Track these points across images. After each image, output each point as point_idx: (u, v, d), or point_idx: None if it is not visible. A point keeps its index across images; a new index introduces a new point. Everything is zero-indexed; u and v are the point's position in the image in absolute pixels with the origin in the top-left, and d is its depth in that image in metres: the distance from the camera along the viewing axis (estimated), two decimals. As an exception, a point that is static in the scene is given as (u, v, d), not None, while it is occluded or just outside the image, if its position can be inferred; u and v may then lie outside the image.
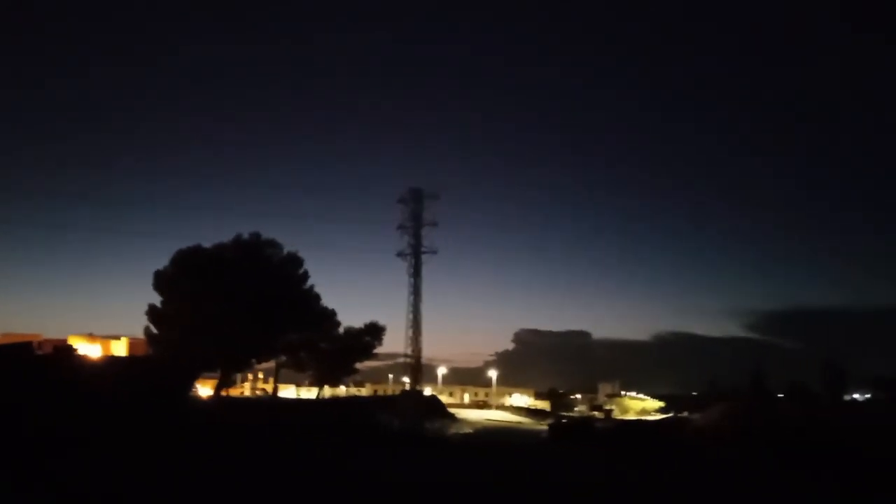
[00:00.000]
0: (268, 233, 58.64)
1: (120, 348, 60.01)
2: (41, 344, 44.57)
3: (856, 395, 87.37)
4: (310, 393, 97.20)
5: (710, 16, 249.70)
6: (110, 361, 48.21)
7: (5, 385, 30.16)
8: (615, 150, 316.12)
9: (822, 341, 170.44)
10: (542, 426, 70.85)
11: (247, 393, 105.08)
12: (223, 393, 64.12)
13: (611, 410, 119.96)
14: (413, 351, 75.23)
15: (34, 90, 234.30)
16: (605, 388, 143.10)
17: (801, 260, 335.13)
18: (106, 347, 61.69)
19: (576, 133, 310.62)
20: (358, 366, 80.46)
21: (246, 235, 57.30)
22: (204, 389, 77.32)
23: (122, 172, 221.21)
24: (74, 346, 48.82)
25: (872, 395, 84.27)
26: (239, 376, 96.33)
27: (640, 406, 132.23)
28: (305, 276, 59.78)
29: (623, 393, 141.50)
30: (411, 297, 74.87)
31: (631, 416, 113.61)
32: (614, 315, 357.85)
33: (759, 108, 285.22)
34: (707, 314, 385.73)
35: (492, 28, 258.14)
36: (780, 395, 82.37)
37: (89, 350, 52.86)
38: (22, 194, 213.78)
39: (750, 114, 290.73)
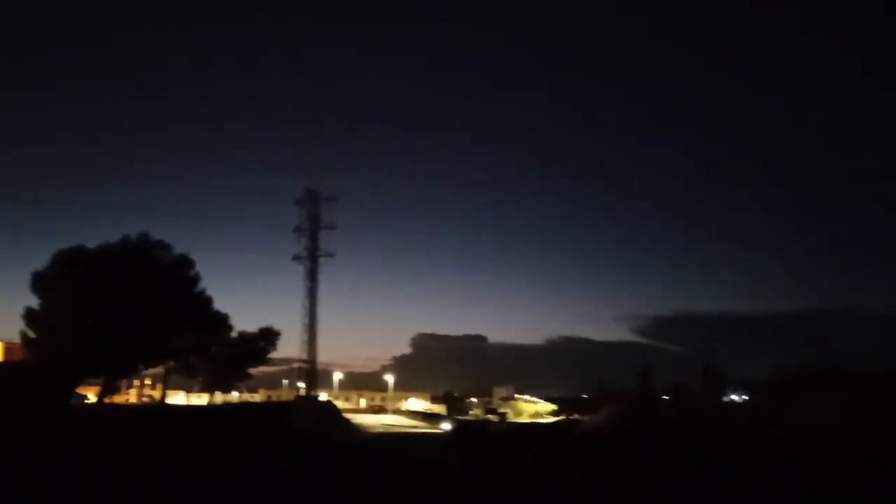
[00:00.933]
0: (159, 234, 56.60)
1: (-6, 353, 56.63)
2: None
3: (734, 397, 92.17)
4: (200, 399, 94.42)
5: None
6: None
7: None
8: (510, 154, 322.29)
9: (704, 345, 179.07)
10: (438, 430, 71.49)
11: (133, 399, 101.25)
12: (107, 400, 61.46)
13: (505, 414, 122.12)
14: (308, 356, 74.32)
15: None
16: (499, 392, 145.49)
17: (686, 267, 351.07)
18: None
19: (473, 134, 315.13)
20: (252, 371, 78.82)
21: (134, 236, 55.06)
22: (86, 396, 74.00)
23: (2, 168, 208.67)
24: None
25: (749, 397, 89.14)
26: (125, 382, 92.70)
27: (534, 409, 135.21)
28: (197, 278, 57.93)
29: (517, 396, 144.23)
30: (307, 302, 73.95)
31: (524, 419, 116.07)
32: (510, 319, 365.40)
33: (646, 119, 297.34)
34: (598, 319, 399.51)
35: (384, 28, 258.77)
36: (664, 397, 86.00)
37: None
38: None
39: (638, 127, 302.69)
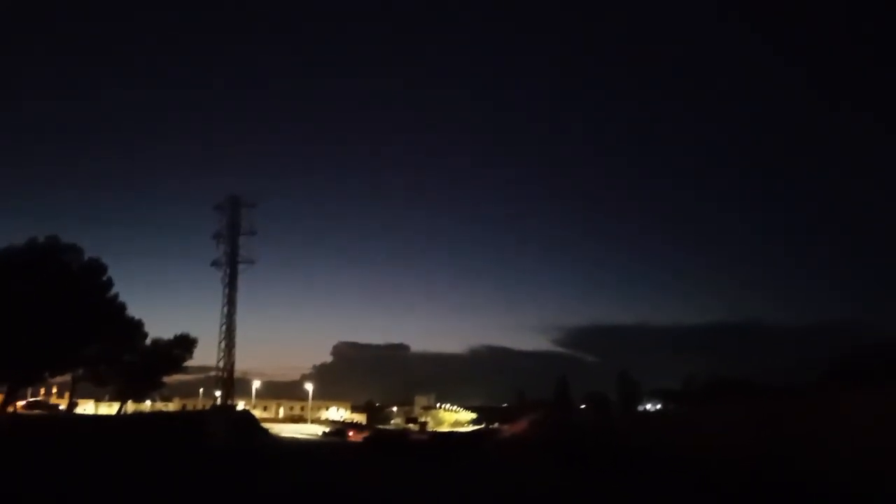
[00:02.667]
0: (70, 238, 54.50)
1: None
2: None
3: (647, 406, 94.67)
4: (110, 408, 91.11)
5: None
6: None
7: None
8: (433, 162, 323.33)
9: (620, 356, 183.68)
10: (358, 440, 70.90)
11: (37, 409, 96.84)
12: (9, 409, 58.67)
13: (426, 423, 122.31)
14: (225, 364, 72.41)
15: None
16: (420, 401, 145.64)
17: (603, 280, 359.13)
18: None
19: (394, 141, 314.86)
20: (167, 380, 76.50)
21: (42, 238, 52.80)
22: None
23: None
24: None
25: (662, 406, 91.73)
26: (30, 390, 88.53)
27: (454, 418, 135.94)
28: (109, 283, 56.00)
29: (438, 405, 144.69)
30: (225, 308, 72.14)
31: (445, 428, 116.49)
32: (432, 328, 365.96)
33: (566, 132, 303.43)
34: (519, 329, 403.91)
35: (309, 28, 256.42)
36: (582, 406, 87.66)
37: None
38: None
39: (560, 141, 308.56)
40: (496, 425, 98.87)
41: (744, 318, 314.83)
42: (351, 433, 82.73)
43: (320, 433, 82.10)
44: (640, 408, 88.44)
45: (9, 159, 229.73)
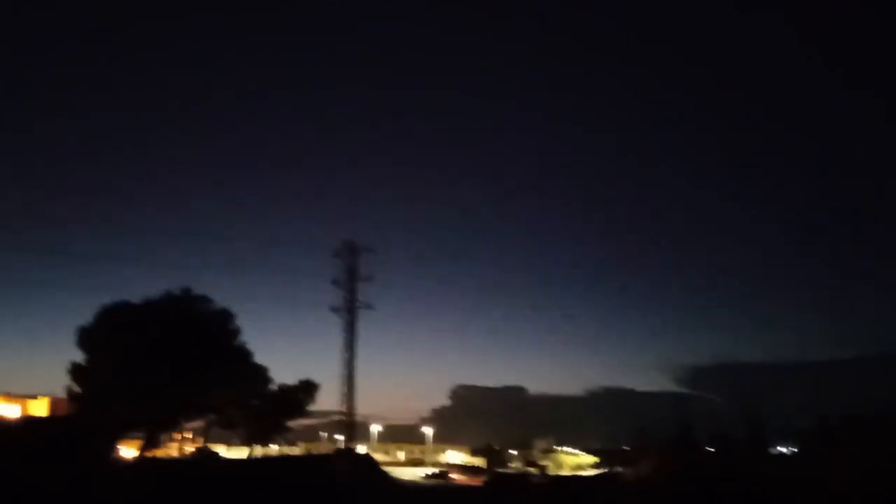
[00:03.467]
0: (199, 286, 57.64)
1: (40, 408, 57.78)
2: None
3: (781, 448, 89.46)
4: (240, 452, 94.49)
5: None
6: (28, 421, 46.29)
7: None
8: (549, 205, 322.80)
9: (746, 395, 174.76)
10: (479, 483, 70.52)
11: (174, 453, 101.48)
12: (148, 454, 61.97)
13: (545, 466, 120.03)
14: (347, 408, 74.03)
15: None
16: (539, 444, 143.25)
17: (725, 314, 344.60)
18: (24, 407, 59.39)
19: (509, 186, 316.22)
20: (290, 424, 78.80)
21: (176, 290, 56.15)
22: (129, 451, 74.54)
23: (44, 222, 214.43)
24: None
25: (798, 449, 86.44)
26: (166, 436, 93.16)
27: (575, 461, 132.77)
28: (237, 331, 58.69)
29: (558, 448, 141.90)
30: (345, 354, 73.93)
31: (565, 472, 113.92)
32: (549, 370, 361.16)
33: (687, 167, 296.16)
34: (638, 368, 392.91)
35: (431, 78, 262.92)
36: (708, 448, 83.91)
37: (6, 410, 50.71)
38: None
39: (677, 175, 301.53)
40: (618, 469, 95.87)
41: (883, 349, 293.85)
42: (455, 475, 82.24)
43: (422, 475, 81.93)
44: (773, 450, 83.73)
45: (143, 215, 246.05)
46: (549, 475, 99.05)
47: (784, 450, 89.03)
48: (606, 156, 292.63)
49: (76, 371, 52.91)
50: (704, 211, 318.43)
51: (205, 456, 71.98)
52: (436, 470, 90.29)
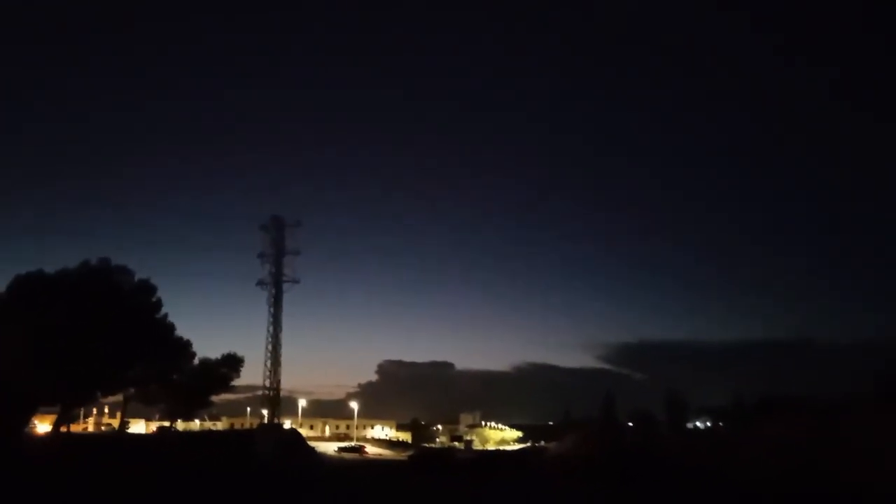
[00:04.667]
0: (120, 260, 55.91)
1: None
2: None
3: (697, 423, 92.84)
4: (164, 426, 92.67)
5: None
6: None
7: None
8: (477, 179, 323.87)
9: (667, 373, 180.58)
10: (403, 458, 70.95)
11: (91, 428, 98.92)
12: (63, 429, 60.10)
13: (471, 441, 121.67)
14: (272, 383, 73.33)
15: None
16: (466, 419, 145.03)
17: (650, 296, 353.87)
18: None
19: (438, 157, 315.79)
20: (214, 399, 77.65)
21: (94, 261, 54.27)
22: (42, 425, 72.09)
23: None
24: None
25: (711, 424, 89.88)
26: (82, 411, 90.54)
27: (500, 436, 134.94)
28: (159, 304, 57.27)
29: (484, 423, 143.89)
30: (271, 328, 73.13)
31: (491, 447, 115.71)
32: (477, 346, 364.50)
33: (611, 144, 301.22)
34: (565, 346, 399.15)
35: (352, 47, 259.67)
36: (629, 424, 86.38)
37: None
38: None
39: (604, 152, 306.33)
40: (542, 444, 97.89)
41: (794, 334, 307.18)
42: (370, 449, 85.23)
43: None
44: (689, 426, 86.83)
45: (66, 185, 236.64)
46: (473, 450, 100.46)
47: (699, 424, 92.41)
48: (548, 124, 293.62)
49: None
50: (633, 191, 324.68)
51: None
52: (351, 444, 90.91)
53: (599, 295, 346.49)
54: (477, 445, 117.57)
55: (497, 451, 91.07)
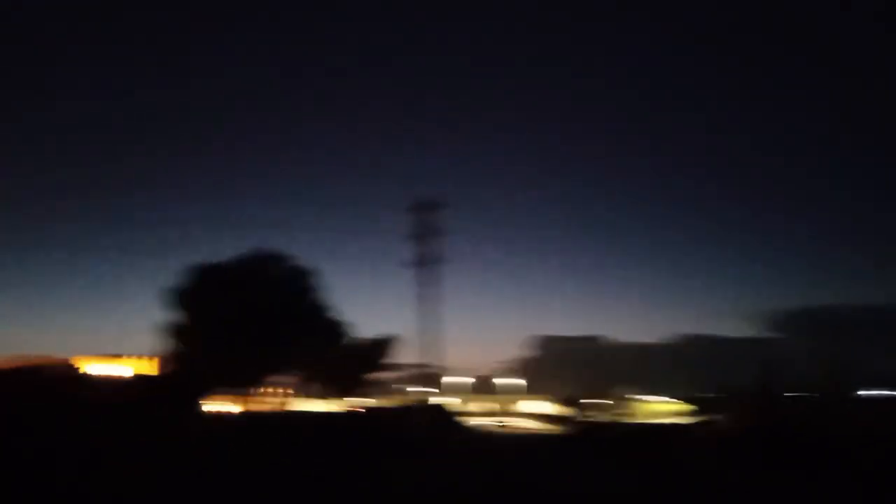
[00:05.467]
0: (281, 246, 59.50)
1: (132, 366, 60.72)
2: (51, 364, 45.26)
3: (869, 392, 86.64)
4: (326, 405, 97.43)
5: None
6: (121, 379, 48.88)
7: (15, 405, 30.73)
8: (629, 153, 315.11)
9: (835, 340, 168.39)
10: (560, 432, 70.81)
11: (262, 407, 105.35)
12: (240, 408, 64.66)
13: (629, 414, 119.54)
14: (427, 361, 75.33)
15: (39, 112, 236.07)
16: (622, 392, 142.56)
17: (814, 259, 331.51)
18: (122, 365, 62.69)
19: (590, 135, 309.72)
20: (372, 377, 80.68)
21: (255, 250, 57.97)
22: (220, 404, 77.90)
23: (131, 189, 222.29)
24: (80, 366, 49.60)
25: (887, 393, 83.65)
26: (254, 390, 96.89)
27: (659, 409, 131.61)
28: (316, 287, 60.36)
29: (641, 397, 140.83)
30: (423, 307, 74.96)
31: (650, 420, 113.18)
32: (630, 318, 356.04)
33: (769, 106, 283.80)
34: (723, 315, 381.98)
35: (502, 31, 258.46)
36: (795, 395, 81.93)
37: (102, 369, 53.56)
38: (39, 217, 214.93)
39: (762, 115, 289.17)
40: (703, 417, 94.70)
41: None
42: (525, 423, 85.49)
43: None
44: (860, 394, 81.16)
45: (220, 176, 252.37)
46: (632, 423, 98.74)
47: (871, 393, 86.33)
48: (681, 101, 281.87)
49: (167, 329, 55.55)
50: (789, 155, 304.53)
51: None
52: (504, 419, 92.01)
53: (760, 259, 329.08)
54: (634, 419, 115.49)
55: (657, 425, 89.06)
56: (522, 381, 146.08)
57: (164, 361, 55.53)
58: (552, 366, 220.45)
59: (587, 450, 46.33)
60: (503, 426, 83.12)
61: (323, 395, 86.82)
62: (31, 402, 31.89)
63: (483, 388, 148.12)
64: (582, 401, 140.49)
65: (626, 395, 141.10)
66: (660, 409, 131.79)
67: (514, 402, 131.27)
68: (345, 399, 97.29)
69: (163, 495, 20.92)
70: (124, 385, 45.96)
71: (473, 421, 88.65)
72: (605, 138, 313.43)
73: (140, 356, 66.60)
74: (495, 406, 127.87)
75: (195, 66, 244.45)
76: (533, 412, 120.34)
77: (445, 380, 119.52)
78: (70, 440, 28.49)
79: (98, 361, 59.14)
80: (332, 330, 63.59)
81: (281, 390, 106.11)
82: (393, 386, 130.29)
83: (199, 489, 22.31)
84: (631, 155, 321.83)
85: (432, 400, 78.70)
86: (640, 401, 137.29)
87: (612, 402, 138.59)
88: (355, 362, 71.44)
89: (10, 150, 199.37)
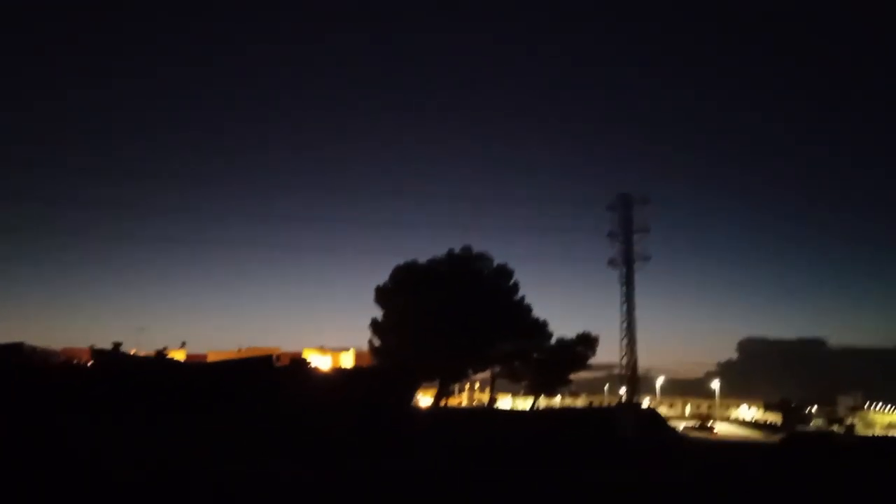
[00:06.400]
0: (478, 246, 60.42)
1: (347, 359, 64.26)
2: (279, 357, 48.79)
3: None
4: (525, 403, 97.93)
5: None
6: (339, 372, 51.81)
7: (250, 393, 33.44)
8: (836, 143, 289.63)
9: None
10: (768, 440, 66.40)
11: (464, 403, 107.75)
12: (442, 403, 66.45)
13: (853, 425, 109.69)
14: (628, 361, 73.23)
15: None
16: (844, 401, 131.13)
17: None
18: (335, 359, 66.62)
19: (803, 126, 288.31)
20: (572, 377, 79.81)
21: (457, 250, 59.26)
22: (424, 399, 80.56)
23: (342, 195, 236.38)
24: (307, 359, 53.04)
25: None
26: (457, 386, 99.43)
27: (888, 420, 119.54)
28: (516, 287, 60.64)
29: (867, 406, 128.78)
30: (624, 306, 73.00)
31: (877, 432, 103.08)
32: (854, 321, 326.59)
33: None
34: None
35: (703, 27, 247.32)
36: None
37: (320, 361, 57.14)
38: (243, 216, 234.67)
39: None
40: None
41: None
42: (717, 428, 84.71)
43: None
44: None
45: (425, 180, 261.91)
46: (857, 435, 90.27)
47: None
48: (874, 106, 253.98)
49: (375, 326, 58.22)
50: None
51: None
52: (699, 422, 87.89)
53: None
54: (860, 430, 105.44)
55: (888, 438, 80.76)
56: (727, 385, 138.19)
57: (375, 355, 58.11)
58: (761, 369, 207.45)
59: (794, 462, 42.54)
60: (710, 431, 79.03)
61: (527, 393, 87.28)
62: (267, 391, 34.58)
63: (693, 391, 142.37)
64: (799, 408, 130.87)
65: (850, 404, 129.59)
66: (888, 419, 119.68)
67: (726, 406, 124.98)
68: (549, 397, 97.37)
69: (391, 486, 21.66)
70: (345, 376, 48.59)
71: (679, 425, 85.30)
72: (828, 130, 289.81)
73: (348, 349, 70.43)
74: (706, 411, 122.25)
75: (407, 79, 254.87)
76: (748, 419, 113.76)
77: (658, 381, 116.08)
78: (301, 426, 30.54)
79: (315, 353, 63.19)
80: (532, 328, 63.49)
81: (481, 387, 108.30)
82: (602, 386, 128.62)
83: (421, 480, 23.01)
84: (842, 147, 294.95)
85: (639, 402, 76.36)
86: (866, 410, 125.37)
87: (832, 409, 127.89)
88: (556, 360, 70.92)
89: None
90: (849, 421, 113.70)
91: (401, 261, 59.23)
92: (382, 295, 58.02)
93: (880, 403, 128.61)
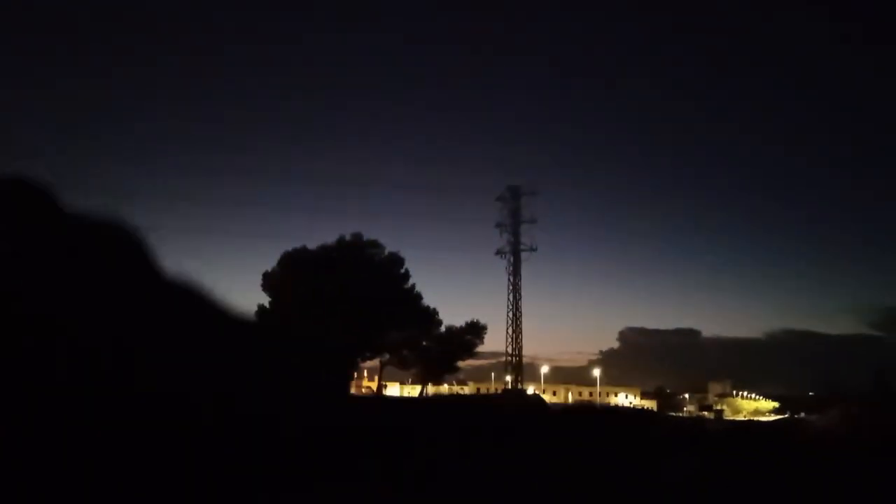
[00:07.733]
0: (368, 233, 60.10)
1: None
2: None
3: None
4: (413, 391, 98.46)
5: None
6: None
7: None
8: (727, 143, 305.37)
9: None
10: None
11: (353, 391, 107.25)
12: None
13: (721, 411, 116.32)
14: (514, 349, 75.06)
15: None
16: (715, 388, 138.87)
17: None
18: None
19: (684, 124, 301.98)
20: (460, 364, 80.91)
21: (348, 236, 58.77)
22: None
23: (228, 174, 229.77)
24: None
25: None
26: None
27: (753, 406, 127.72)
28: (406, 275, 60.82)
29: (734, 393, 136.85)
30: (511, 296, 74.75)
31: (743, 417, 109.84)
32: (725, 312, 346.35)
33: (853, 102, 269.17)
34: (825, 310, 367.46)
35: (586, 20, 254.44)
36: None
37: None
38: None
39: (849, 110, 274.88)
40: (802, 416, 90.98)
41: None
42: None
43: None
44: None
45: (321, 166, 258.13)
46: (724, 420, 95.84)
47: None
48: (786, 101, 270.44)
49: (261, 313, 57.01)
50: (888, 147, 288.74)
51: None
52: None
53: (866, 252, 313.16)
54: (728, 415, 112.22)
55: (751, 422, 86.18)
56: (608, 373, 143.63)
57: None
58: (641, 358, 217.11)
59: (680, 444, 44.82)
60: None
61: (416, 381, 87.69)
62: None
63: (575, 379, 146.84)
64: (674, 395, 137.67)
65: (719, 391, 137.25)
66: (751, 406, 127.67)
67: (606, 393, 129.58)
68: (437, 385, 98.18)
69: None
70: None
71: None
72: (706, 130, 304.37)
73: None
74: (586, 397, 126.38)
75: (282, 62, 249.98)
76: (619, 405, 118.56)
77: (543, 369, 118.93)
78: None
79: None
80: (422, 316, 63.94)
81: (369, 375, 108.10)
82: (490, 374, 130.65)
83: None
84: (731, 147, 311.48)
85: (525, 389, 78.18)
86: (733, 397, 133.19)
87: (704, 396, 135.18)
88: (445, 349, 71.73)
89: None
90: (718, 407, 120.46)
91: (289, 247, 58.26)
92: (270, 281, 56.86)
93: (745, 392, 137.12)
